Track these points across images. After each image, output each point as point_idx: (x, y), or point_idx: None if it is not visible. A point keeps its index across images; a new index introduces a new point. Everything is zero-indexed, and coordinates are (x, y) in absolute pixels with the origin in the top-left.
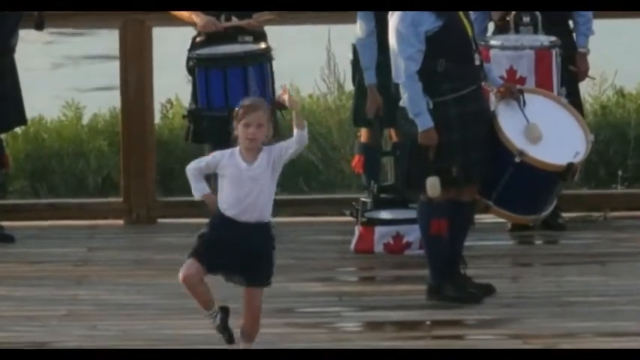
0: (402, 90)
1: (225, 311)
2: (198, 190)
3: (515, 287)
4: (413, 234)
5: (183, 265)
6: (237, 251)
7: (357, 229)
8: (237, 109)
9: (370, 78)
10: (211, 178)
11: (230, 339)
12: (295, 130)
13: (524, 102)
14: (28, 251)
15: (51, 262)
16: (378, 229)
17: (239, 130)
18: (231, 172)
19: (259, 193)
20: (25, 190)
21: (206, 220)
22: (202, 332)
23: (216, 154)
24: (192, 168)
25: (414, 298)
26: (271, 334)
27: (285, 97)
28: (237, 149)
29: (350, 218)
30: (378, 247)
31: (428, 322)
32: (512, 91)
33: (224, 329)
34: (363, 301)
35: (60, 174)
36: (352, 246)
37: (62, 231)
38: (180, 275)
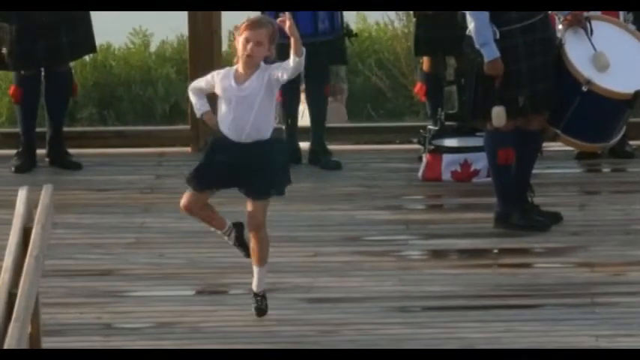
0: (468, 19)
1: (238, 227)
2: (199, 108)
3: (582, 215)
4: (480, 162)
5: (183, 195)
6: (235, 170)
7: (425, 157)
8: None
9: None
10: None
11: (247, 254)
12: (292, 56)
13: (591, 30)
14: (96, 179)
15: (118, 190)
16: (446, 157)
17: (238, 43)
18: (223, 92)
19: (252, 112)
20: (92, 118)
21: None
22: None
23: (214, 73)
24: (193, 87)
25: (481, 226)
26: (339, 262)
27: (287, 24)
28: (233, 69)
29: (418, 146)
30: (446, 175)
31: (495, 250)
32: (580, 19)
33: (240, 244)
34: (430, 229)
35: (127, 101)
36: (420, 174)
37: (129, 158)
38: (181, 205)
